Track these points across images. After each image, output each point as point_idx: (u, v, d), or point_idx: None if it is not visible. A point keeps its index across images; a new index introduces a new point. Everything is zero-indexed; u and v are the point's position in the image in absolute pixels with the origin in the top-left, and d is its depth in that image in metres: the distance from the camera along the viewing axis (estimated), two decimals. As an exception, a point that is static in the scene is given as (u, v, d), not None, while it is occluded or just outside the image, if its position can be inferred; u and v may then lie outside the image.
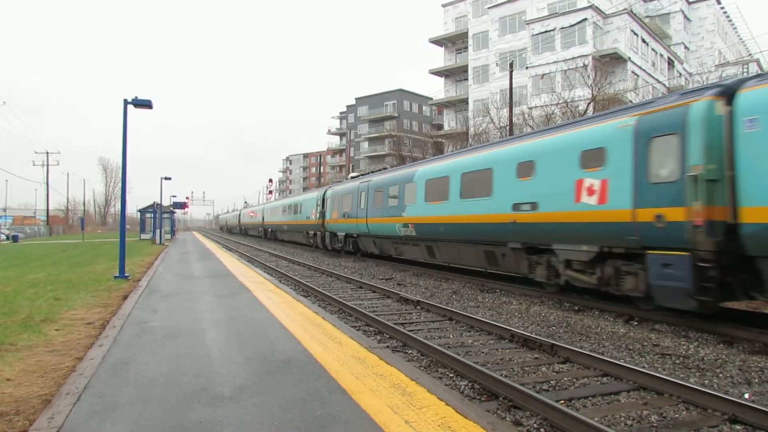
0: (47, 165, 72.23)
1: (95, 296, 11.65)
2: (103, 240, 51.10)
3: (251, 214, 65.76)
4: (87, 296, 11.60)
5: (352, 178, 28.54)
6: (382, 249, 22.68)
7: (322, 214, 30.06)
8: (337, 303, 11.82)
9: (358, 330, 8.90)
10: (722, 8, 54.09)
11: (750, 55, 53.46)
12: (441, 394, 4.80)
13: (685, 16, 50.67)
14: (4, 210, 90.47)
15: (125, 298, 11.41)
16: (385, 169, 26.84)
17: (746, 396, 5.73)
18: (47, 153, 72.78)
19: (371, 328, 9.41)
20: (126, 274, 15.35)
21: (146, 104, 15.22)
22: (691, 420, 5.10)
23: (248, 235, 69.17)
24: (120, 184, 18.38)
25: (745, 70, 39.56)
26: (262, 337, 7.22)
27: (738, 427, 4.92)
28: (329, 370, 5.56)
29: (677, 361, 7.18)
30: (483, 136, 39.68)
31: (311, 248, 34.96)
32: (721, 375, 6.57)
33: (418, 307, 11.61)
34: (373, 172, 26.30)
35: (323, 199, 30.27)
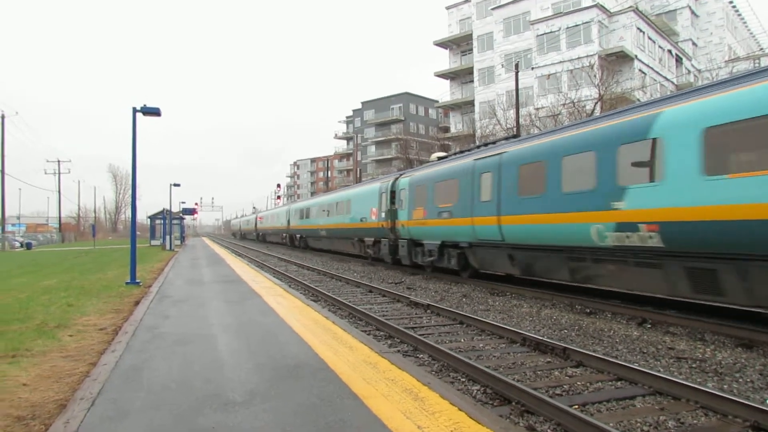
0: (59, 173, 72.66)
1: (107, 302, 11.70)
2: (114, 246, 51.49)
3: (271, 217, 56.48)
4: (99, 302, 11.65)
5: (441, 159, 19.54)
6: (534, 268, 13.69)
7: (392, 214, 21.29)
8: (347, 307, 11.81)
9: (368, 334, 8.87)
10: (731, 2, 53.64)
11: (761, 49, 53.05)
12: (453, 399, 4.77)
13: (693, 12, 50.33)
14: (18, 218, 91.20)
15: (137, 303, 11.46)
16: (514, 137, 16.36)
17: (768, 401, 5.60)
18: (58, 161, 73.21)
19: (381, 333, 9.39)
20: (137, 280, 15.42)
21: (155, 112, 15.29)
22: (711, 426, 5.00)
23: (268, 243, 59.72)
24: (130, 191, 18.52)
25: (757, 63, 39.24)
26: (273, 342, 7.22)
27: (760, 433, 4.80)
28: (340, 375, 5.54)
29: (694, 365, 7.07)
30: (490, 138, 39.62)
31: (367, 261, 26.01)
32: (740, 380, 6.43)
33: (429, 311, 11.57)
34: (504, 140, 16.43)
35: (392, 192, 21.51)
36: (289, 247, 45.97)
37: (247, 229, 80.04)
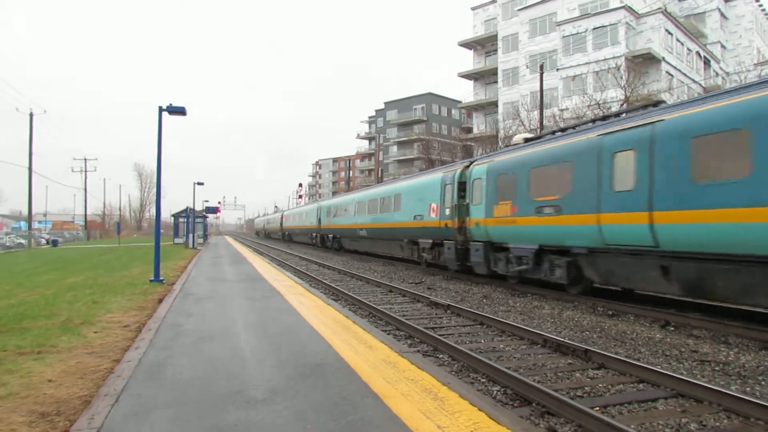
0: (85, 171, 74.04)
1: (131, 299, 11.90)
2: (139, 244, 52.16)
3: (298, 215, 51.58)
4: (123, 299, 11.85)
5: (529, 140, 15.61)
6: (709, 287, 9.69)
7: (460, 210, 17.58)
8: (367, 307, 11.84)
9: (388, 334, 8.89)
10: (760, 5, 52.68)
11: (790, 53, 51.87)
12: (473, 400, 4.76)
13: (722, 14, 49.51)
14: (45, 215, 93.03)
15: (160, 301, 11.62)
16: (655, 105, 11.98)
17: (791, 405, 5.50)
18: (85, 160, 74.55)
19: (401, 333, 9.40)
20: (161, 278, 15.64)
21: (180, 111, 15.52)
22: (733, 429, 4.96)
23: (294, 243, 55.34)
24: (155, 190, 18.73)
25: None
26: (294, 341, 7.27)
27: (782, 436, 4.76)
28: (361, 374, 5.57)
29: (717, 368, 6.99)
30: (513, 138, 39.34)
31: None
32: (763, 383, 6.36)
33: (449, 311, 11.55)
34: (642, 108, 12.45)
35: (460, 183, 17.90)
36: (316, 248, 44.58)
37: (272, 228, 75.44)
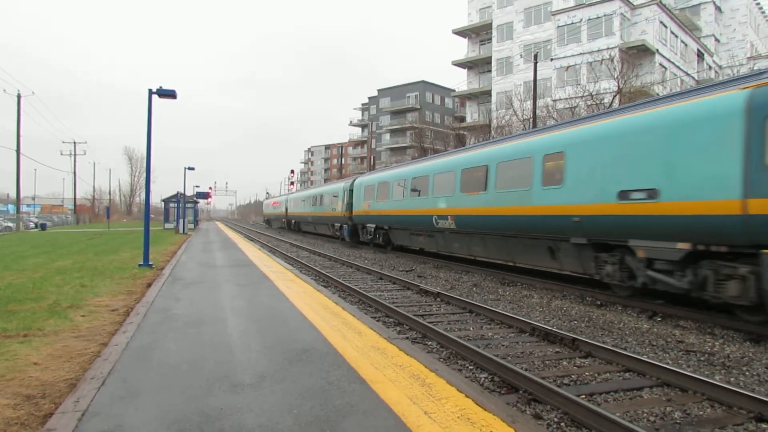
0: (74, 155, 73.22)
1: (120, 284, 11.83)
2: (128, 229, 51.88)
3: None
4: (112, 283, 11.78)
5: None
6: None
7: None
8: (357, 294, 11.85)
9: (377, 321, 8.91)
10: (755, -1, 52.80)
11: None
12: (460, 386, 4.77)
13: (717, 8, 49.56)
14: (33, 199, 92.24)
15: (149, 285, 11.57)
16: None
17: (773, 394, 5.58)
18: (74, 143, 73.69)
19: (391, 319, 9.42)
20: (150, 263, 15.56)
21: (170, 94, 15.38)
22: (716, 417, 5.01)
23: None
24: (145, 174, 18.44)
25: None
26: (283, 326, 7.26)
27: (764, 425, 4.82)
28: (348, 360, 5.57)
29: (702, 358, 7.06)
30: (506, 128, 39.33)
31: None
32: (747, 373, 6.44)
33: (438, 299, 11.58)
34: None
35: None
36: (302, 234, 44.80)
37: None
